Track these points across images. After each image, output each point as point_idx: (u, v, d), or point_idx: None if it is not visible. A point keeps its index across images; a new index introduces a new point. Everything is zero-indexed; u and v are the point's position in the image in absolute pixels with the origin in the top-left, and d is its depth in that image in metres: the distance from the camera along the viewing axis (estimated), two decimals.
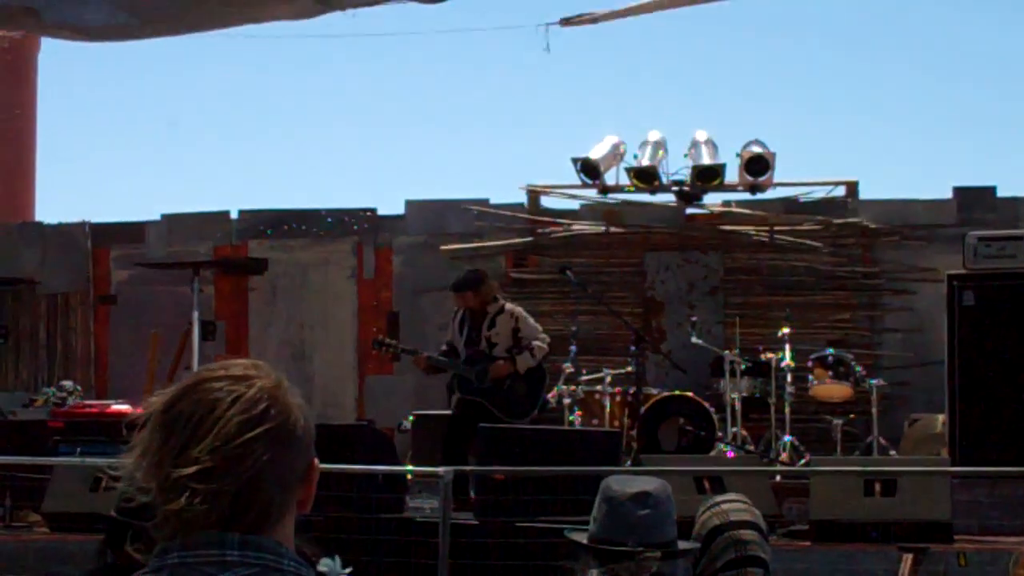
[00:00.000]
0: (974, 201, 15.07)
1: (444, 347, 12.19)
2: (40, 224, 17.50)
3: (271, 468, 2.25)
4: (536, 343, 11.93)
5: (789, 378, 13.12)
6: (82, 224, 16.82)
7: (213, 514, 2.21)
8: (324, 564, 4.26)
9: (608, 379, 13.27)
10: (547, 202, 15.98)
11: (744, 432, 13.17)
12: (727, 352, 13.32)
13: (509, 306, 12.17)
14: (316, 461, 2.36)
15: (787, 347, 13.21)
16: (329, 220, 16.31)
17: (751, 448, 12.99)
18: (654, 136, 15.17)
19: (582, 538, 4.25)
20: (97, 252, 16.69)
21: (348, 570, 4.24)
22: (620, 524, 4.16)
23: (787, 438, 13.01)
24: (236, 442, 2.22)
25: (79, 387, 14.96)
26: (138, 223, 16.79)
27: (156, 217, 16.80)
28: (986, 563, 9.25)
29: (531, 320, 12.13)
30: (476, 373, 11.83)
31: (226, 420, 2.23)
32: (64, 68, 35.18)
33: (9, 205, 18.97)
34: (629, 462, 11.88)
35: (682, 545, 4.29)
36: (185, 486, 2.20)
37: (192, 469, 2.20)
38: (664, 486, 4.29)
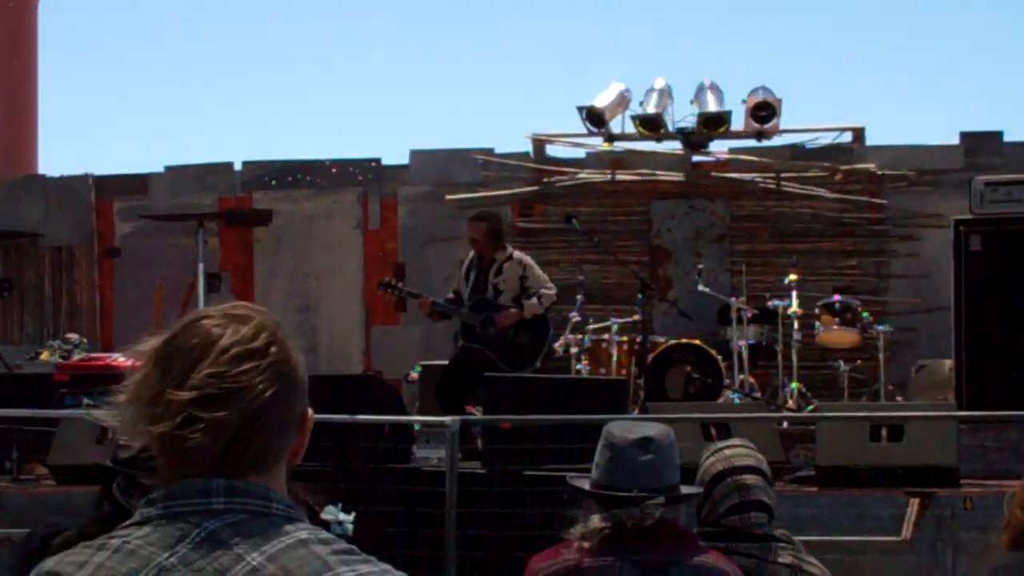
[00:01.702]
0: (981, 146, 15.02)
1: (451, 295, 12.19)
2: (43, 177, 17.48)
3: (273, 406, 2.20)
4: (544, 291, 11.93)
5: (796, 325, 13.10)
6: (85, 176, 16.77)
7: (214, 446, 2.17)
8: (328, 512, 4.26)
9: (615, 328, 13.26)
10: (552, 151, 15.94)
11: (751, 379, 13.16)
12: (734, 299, 13.29)
13: (517, 254, 12.18)
14: (310, 412, 2.33)
15: (794, 294, 13.18)
16: (333, 171, 16.26)
17: (758, 395, 12.98)
18: (660, 83, 15.08)
19: (584, 484, 4.23)
20: (101, 204, 16.65)
21: (352, 516, 4.24)
22: (622, 470, 4.13)
23: (794, 385, 13.01)
24: (238, 368, 2.18)
25: (84, 340, 14.96)
26: (141, 175, 16.74)
27: (159, 169, 16.76)
28: (992, 507, 9.22)
29: (538, 269, 12.13)
30: (480, 321, 11.82)
31: (227, 349, 2.19)
32: (65, 18, 35.03)
33: (11, 158, 18.92)
34: (636, 410, 11.87)
35: (685, 490, 4.27)
36: (182, 410, 2.16)
37: (193, 393, 2.16)
38: (667, 431, 4.27)
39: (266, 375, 2.20)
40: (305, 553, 2.16)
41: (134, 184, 16.67)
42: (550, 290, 12.00)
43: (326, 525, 4.13)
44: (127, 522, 2.21)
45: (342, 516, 4.26)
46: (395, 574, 2.20)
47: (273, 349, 2.23)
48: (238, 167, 16.57)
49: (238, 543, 2.15)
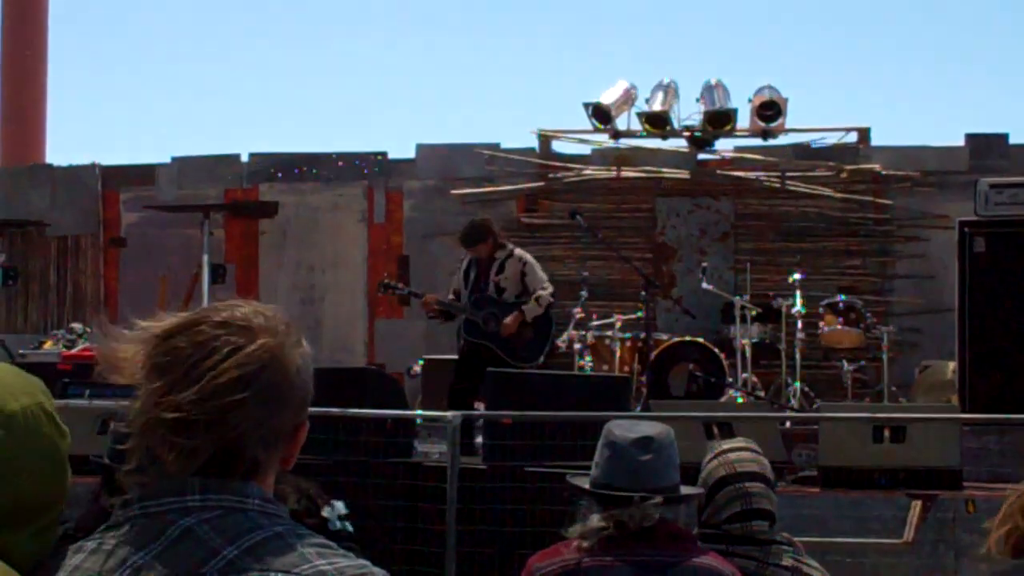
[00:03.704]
0: (986, 148, 15.01)
1: (451, 296, 12.14)
2: (50, 166, 17.47)
3: (256, 429, 2.20)
4: (541, 292, 11.89)
5: (799, 324, 13.09)
6: (92, 166, 16.79)
7: (189, 468, 2.18)
8: (326, 511, 4.26)
9: (618, 324, 13.25)
10: (558, 147, 15.93)
11: (754, 378, 13.15)
12: (737, 298, 13.29)
13: (518, 251, 12.13)
14: (306, 423, 2.31)
15: (798, 293, 13.17)
16: (340, 164, 16.26)
17: (761, 394, 12.97)
18: (666, 81, 15.09)
19: (584, 483, 4.22)
20: (107, 194, 16.67)
21: (341, 504, 4.22)
22: (622, 469, 4.12)
23: (797, 384, 13.00)
24: (223, 400, 2.16)
25: (88, 329, 14.96)
26: (148, 165, 16.76)
27: (166, 159, 16.77)
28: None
29: (538, 269, 12.08)
30: (483, 317, 11.81)
31: (218, 372, 2.16)
32: (75, 7, 35.07)
33: (19, 147, 18.93)
34: (639, 407, 11.87)
35: (684, 490, 4.25)
36: (164, 438, 2.16)
37: (172, 415, 2.15)
38: (667, 431, 4.25)
39: (252, 403, 2.18)
40: (281, 546, 2.16)
41: (141, 174, 16.69)
42: (546, 290, 11.94)
43: (325, 522, 4.14)
44: (103, 526, 2.22)
45: (339, 507, 4.26)
46: (372, 569, 2.19)
47: (267, 374, 2.20)
48: (245, 159, 16.58)
49: (213, 538, 2.15)
